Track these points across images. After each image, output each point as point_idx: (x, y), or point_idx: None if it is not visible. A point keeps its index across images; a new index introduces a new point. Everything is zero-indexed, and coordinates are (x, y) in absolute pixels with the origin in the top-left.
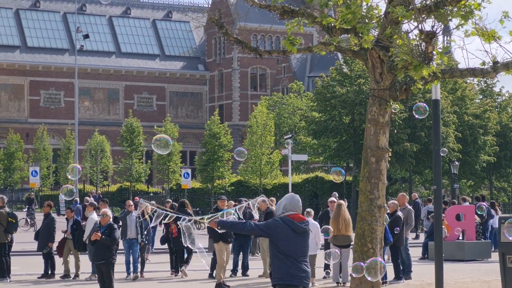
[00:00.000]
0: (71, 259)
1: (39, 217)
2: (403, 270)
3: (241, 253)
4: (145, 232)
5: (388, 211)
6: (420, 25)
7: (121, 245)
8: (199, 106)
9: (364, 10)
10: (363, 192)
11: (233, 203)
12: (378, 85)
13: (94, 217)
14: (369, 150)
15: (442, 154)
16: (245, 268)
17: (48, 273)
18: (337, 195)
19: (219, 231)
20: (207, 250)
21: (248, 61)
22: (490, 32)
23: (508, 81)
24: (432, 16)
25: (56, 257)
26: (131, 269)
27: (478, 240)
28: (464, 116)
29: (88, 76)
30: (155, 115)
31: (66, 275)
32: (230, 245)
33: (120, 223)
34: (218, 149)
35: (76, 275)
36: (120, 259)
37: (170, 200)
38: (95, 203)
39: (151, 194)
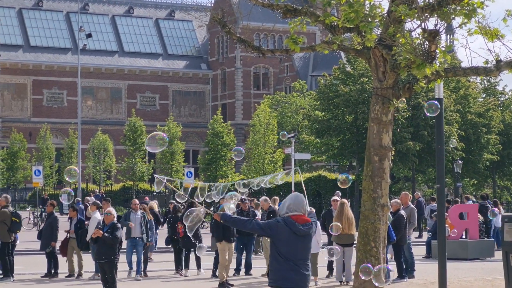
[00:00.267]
0: (75, 258)
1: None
2: (406, 269)
3: (244, 252)
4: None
5: (391, 210)
6: (423, 24)
7: (124, 244)
8: (202, 105)
9: (367, 9)
10: (366, 191)
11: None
12: (381, 84)
13: (97, 216)
14: (372, 149)
15: (451, 146)
16: (248, 267)
17: (51, 272)
18: (340, 194)
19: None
20: (209, 249)
21: (251, 60)
22: (493, 31)
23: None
24: (435, 15)
25: (60, 257)
26: (134, 268)
27: (481, 239)
28: (467, 114)
29: (91, 75)
30: (158, 114)
31: (70, 275)
32: (233, 244)
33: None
34: (221, 148)
35: (80, 275)
36: (122, 258)
37: (174, 201)
38: (98, 202)
39: (154, 193)
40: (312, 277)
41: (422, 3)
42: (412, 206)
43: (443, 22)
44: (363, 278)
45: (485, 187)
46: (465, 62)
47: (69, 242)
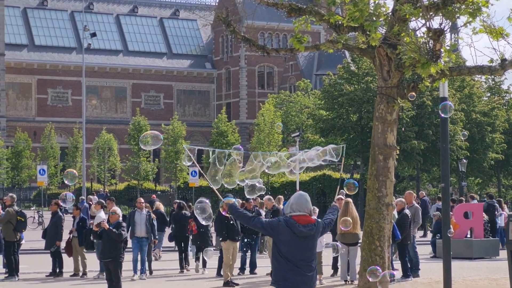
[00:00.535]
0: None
1: (47, 216)
2: (410, 268)
3: (249, 251)
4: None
5: (395, 209)
6: (427, 23)
7: (129, 244)
8: (207, 104)
9: (372, 8)
10: (371, 190)
11: (241, 201)
12: (386, 83)
13: (101, 215)
14: (377, 148)
15: (462, 138)
16: (253, 266)
17: (56, 271)
18: (344, 193)
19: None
20: (214, 248)
21: (255, 59)
22: (498, 30)
23: None
24: (440, 14)
25: (64, 256)
26: (139, 268)
27: (486, 238)
28: (472, 113)
29: (95, 75)
30: (162, 113)
31: (75, 274)
32: (238, 243)
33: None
34: (225, 147)
35: (84, 274)
36: (127, 257)
37: (178, 201)
38: (102, 201)
39: (159, 192)
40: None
41: (427, 2)
42: (416, 205)
43: (448, 21)
44: (370, 280)
45: (489, 186)
46: (470, 61)
47: (72, 241)
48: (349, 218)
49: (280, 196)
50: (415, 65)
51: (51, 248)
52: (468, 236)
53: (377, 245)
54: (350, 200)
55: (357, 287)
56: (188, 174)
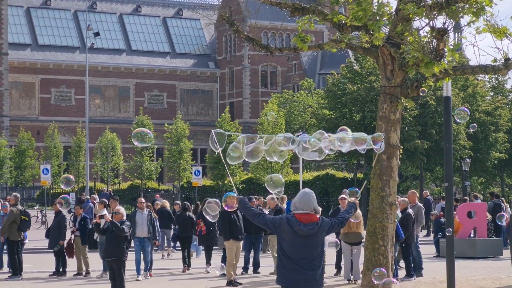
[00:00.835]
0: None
1: (50, 215)
2: (414, 268)
3: (252, 250)
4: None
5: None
6: (431, 22)
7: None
8: (210, 104)
9: (375, 7)
10: (374, 189)
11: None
12: (389, 82)
13: (107, 215)
14: None
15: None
16: (256, 265)
17: (60, 270)
18: (347, 192)
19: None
20: (217, 247)
21: (258, 58)
22: (502, 29)
23: None
24: (444, 13)
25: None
26: (142, 267)
27: (489, 238)
28: (475, 113)
29: (98, 74)
30: (165, 113)
31: (79, 273)
32: (241, 242)
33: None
34: (228, 146)
35: (87, 273)
36: (131, 256)
37: (179, 202)
38: (105, 200)
39: (162, 191)
40: None
41: (431, 2)
42: (419, 204)
43: (451, 20)
44: (375, 282)
45: (493, 185)
46: (473, 60)
47: (74, 240)
48: (359, 211)
49: (283, 195)
50: (418, 64)
51: (54, 248)
52: (472, 235)
53: (381, 245)
54: (353, 199)
55: (360, 286)
56: (191, 173)
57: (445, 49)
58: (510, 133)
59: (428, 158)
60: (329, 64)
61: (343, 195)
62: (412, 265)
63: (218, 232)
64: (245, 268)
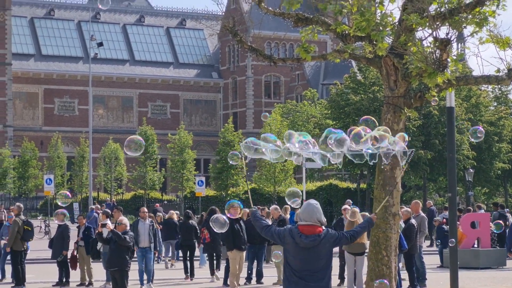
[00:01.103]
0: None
1: (54, 225)
2: (417, 278)
3: (255, 260)
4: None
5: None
6: (434, 33)
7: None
8: (213, 114)
9: (378, 18)
10: (378, 199)
11: (247, 211)
12: (393, 92)
13: (109, 224)
14: None
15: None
16: (260, 275)
17: (63, 281)
18: (351, 202)
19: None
20: (221, 258)
21: (262, 68)
22: (505, 39)
23: None
24: (447, 23)
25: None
26: (145, 278)
27: (493, 248)
28: (478, 123)
29: (102, 84)
30: (169, 123)
31: (82, 283)
32: (244, 252)
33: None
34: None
35: (90, 283)
36: (134, 266)
37: (173, 211)
38: (108, 211)
39: (165, 202)
40: None
41: (434, 12)
42: (422, 214)
43: (454, 30)
44: None
45: (496, 195)
46: (476, 70)
47: (78, 250)
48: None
49: (286, 206)
50: (422, 74)
51: (57, 258)
52: (475, 245)
53: (384, 255)
54: (356, 209)
55: None
56: (194, 183)
57: (448, 60)
58: None
59: (431, 168)
60: (332, 74)
61: (346, 206)
62: (416, 276)
63: (221, 242)
64: (248, 279)
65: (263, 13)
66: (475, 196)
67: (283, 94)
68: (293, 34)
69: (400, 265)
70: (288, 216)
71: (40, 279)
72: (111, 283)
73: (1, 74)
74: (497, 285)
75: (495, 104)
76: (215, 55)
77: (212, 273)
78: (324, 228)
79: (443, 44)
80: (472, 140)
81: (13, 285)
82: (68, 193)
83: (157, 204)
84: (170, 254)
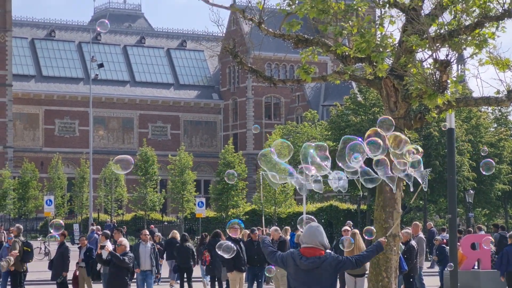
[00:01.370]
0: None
1: (54, 246)
2: None
3: (255, 282)
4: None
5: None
6: (434, 54)
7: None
8: (214, 135)
9: (379, 39)
10: (378, 221)
11: (247, 232)
12: (393, 113)
13: (108, 246)
14: None
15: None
16: None
17: None
18: (351, 224)
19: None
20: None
21: (262, 90)
22: (505, 61)
23: None
24: (446, 45)
25: (70, 286)
26: None
27: (493, 269)
28: (479, 144)
29: (102, 105)
30: (169, 144)
31: None
32: (244, 274)
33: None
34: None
35: None
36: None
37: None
38: (107, 232)
39: (165, 223)
40: None
41: (434, 34)
42: (421, 235)
43: (454, 52)
44: None
45: (497, 217)
46: (476, 92)
47: (79, 271)
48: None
49: (287, 227)
50: (422, 96)
51: (57, 279)
52: (476, 267)
53: (384, 276)
54: (356, 231)
55: None
56: (195, 204)
57: (448, 81)
58: None
59: (431, 190)
60: (332, 95)
61: (346, 227)
62: None
63: (221, 263)
64: None
65: (263, 35)
66: (475, 218)
67: (284, 115)
68: (293, 55)
69: (402, 287)
70: (288, 237)
71: None
72: None
73: (1, 95)
74: None
75: (495, 125)
76: (216, 76)
77: None
78: (327, 251)
79: (443, 65)
80: (484, 173)
81: None
82: (61, 221)
83: (152, 226)
84: (168, 275)
